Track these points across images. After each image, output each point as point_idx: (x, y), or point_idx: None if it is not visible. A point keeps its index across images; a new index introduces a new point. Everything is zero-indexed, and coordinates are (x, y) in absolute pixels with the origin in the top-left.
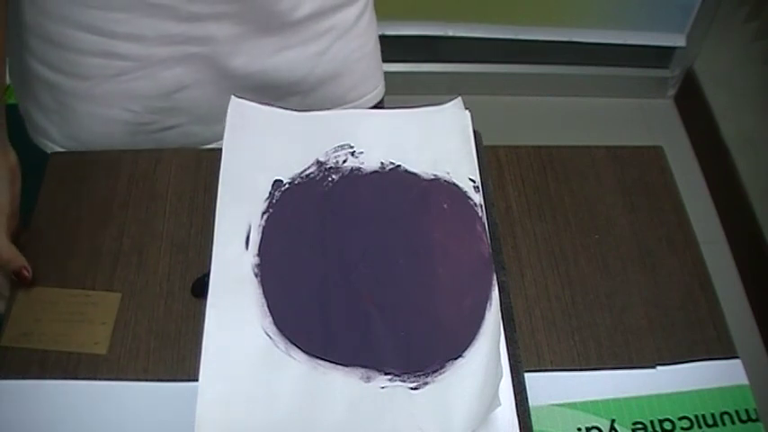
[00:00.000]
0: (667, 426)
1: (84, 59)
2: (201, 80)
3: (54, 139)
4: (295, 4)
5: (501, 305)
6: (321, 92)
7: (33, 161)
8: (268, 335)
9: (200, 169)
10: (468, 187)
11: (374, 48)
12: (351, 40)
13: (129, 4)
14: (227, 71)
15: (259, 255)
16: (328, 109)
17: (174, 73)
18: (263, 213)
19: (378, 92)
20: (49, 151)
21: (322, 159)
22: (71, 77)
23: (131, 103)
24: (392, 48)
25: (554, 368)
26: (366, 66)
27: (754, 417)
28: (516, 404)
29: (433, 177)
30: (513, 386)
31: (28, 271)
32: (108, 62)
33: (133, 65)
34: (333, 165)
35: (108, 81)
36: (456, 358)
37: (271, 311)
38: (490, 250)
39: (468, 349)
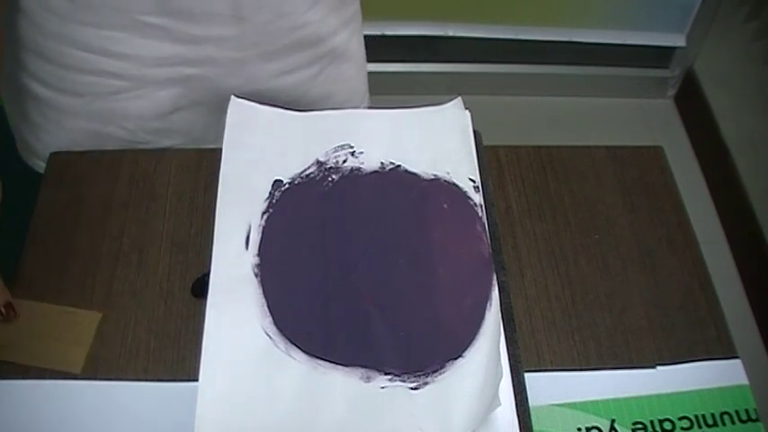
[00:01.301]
0: (667, 426)
1: (79, 77)
2: (197, 101)
3: (41, 157)
4: (295, 27)
5: (501, 305)
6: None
7: (26, 170)
8: (268, 335)
9: (200, 169)
10: (468, 187)
11: (362, 68)
12: (341, 62)
13: (125, 24)
14: (224, 93)
15: (259, 255)
16: None
17: (170, 94)
18: (263, 213)
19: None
20: (37, 169)
21: (322, 159)
22: (64, 94)
23: (126, 121)
24: (392, 48)
25: (554, 368)
26: (356, 85)
27: (754, 417)
28: (516, 404)
29: (433, 177)
30: (513, 386)
31: (12, 310)
32: (102, 80)
33: (128, 84)
34: (333, 165)
35: (102, 99)
36: (456, 358)
37: (271, 311)
38: (490, 250)
39: (468, 349)
